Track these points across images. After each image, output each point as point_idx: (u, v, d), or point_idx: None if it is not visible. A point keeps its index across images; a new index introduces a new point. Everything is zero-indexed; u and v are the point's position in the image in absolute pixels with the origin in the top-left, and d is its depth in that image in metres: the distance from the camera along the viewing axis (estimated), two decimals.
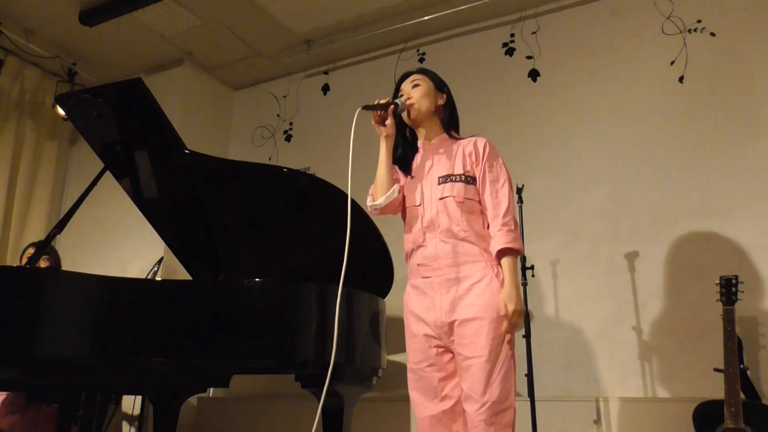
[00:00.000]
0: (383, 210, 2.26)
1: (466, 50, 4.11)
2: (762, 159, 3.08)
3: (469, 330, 2.02)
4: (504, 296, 2.01)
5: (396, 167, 2.32)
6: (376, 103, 2.22)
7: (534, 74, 3.82)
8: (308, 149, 4.58)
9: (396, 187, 2.24)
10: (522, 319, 2.05)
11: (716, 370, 2.46)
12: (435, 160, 2.23)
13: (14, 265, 3.47)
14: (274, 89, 4.89)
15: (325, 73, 4.68)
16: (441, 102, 2.29)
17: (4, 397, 2.83)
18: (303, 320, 2.25)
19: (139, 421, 3.53)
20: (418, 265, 2.16)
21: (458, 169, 2.18)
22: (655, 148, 3.36)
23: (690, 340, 3.01)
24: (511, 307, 1.99)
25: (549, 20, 3.87)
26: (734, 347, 2.41)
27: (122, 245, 4.40)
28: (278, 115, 4.80)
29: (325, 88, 4.64)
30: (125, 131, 2.61)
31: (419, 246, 2.17)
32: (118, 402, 3.60)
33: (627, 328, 3.18)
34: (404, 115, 2.25)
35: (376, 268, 2.73)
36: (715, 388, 2.48)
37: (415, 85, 2.28)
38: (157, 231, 2.92)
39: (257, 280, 2.24)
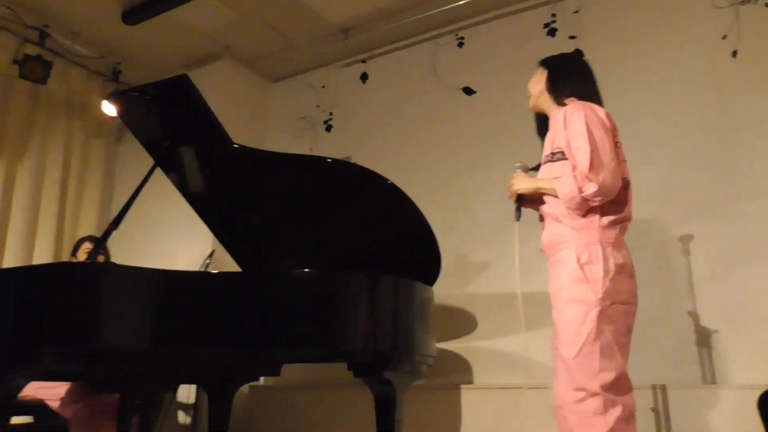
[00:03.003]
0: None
1: (506, 33, 4.05)
2: None
3: (555, 315, 2.03)
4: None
5: None
6: (516, 208, 2.27)
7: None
8: (349, 138, 4.58)
9: None
10: (513, 191, 2.21)
11: None
12: (545, 142, 2.25)
13: (73, 261, 3.57)
14: (312, 80, 4.90)
15: (363, 61, 4.66)
16: (545, 79, 2.32)
17: (68, 386, 2.92)
18: (352, 309, 2.24)
19: (194, 409, 3.60)
20: (543, 251, 2.20)
21: (548, 149, 2.20)
22: (706, 126, 3.25)
23: (750, 325, 2.92)
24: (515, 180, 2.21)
25: None
26: None
27: (170, 239, 4.49)
28: (317, 106, 4.80)
29: (364, 77, 4.63)
30: (173, 126, 2.65)
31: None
32: (175, 391, 3.68)
33: (682, 314, 3.10)
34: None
35: (423, 257, 2.71)
36: None
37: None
38: (206, 223, 2.96)
39: (306, 270, 2.25)
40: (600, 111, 2.13)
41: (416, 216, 2.59)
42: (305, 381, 4.05)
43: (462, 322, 3.74)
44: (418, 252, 2.72)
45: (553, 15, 3.87)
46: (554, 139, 2.15)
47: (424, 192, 3.93)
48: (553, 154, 2.14)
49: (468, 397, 3.42)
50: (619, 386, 1.91)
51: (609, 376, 1.88)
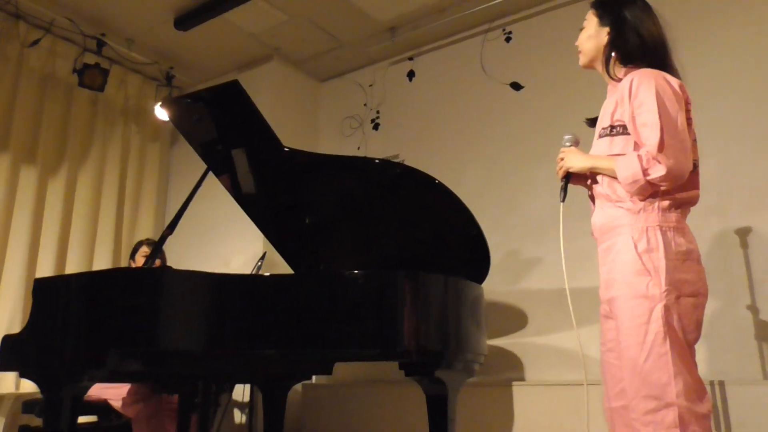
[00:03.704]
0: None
1: (556, 27, 3.97)
2: None
3: (614, 310, 1.83)
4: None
5: None
6: (562, 187, 2.06)
7: None
8: (396, 136, 4.60)
9: None
10: (563, 167, 1.99)
11: None
12: (602, 111, 2.00)
13: (130, 265, 3.70)
14: (359, 79, 4.93)
15: (410, 59, 4.66)
16: (605, 38, 1.99)
17: (129, 387, 3.04)
18: (400, 309, 2.25)
19: (249, 408, 3.69)
20: (593, 235, 1.99)
21: (606, 121, 1.93)
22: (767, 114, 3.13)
23: None
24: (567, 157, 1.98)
25: None
26: None
27: (224, 240, 4.60)
28: (365, 105, 4.83)
29: (411, 74, 4.62)
30: (224, 131, 2.71)
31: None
32: (231, 391, 3.78)
33: (741, 308, 3.01)
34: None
35: (472, 254, 2.71)
36: None
37: (581, 29, 2.08)
38: (258, 225, 3.03)
39: (354, 271, 2.27)
40: (674, 81, 1.86)
41: (465, 214, 2.58)
42: (357, 378, 4.10)
43: (513, 319, 3.71)
44: (467, 250, 2.72)
45: None
46: (615, 109, 1.90)
47: (472, 188, 3.94)
48: (612, 127, 1.90)
49: (520, 393, 3.39)
50: (697, 390, 1.72)
51: (684, 380, 1.69)
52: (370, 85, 4.84)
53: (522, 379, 3.59)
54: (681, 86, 1.88)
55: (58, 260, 4.27)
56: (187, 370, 2.40)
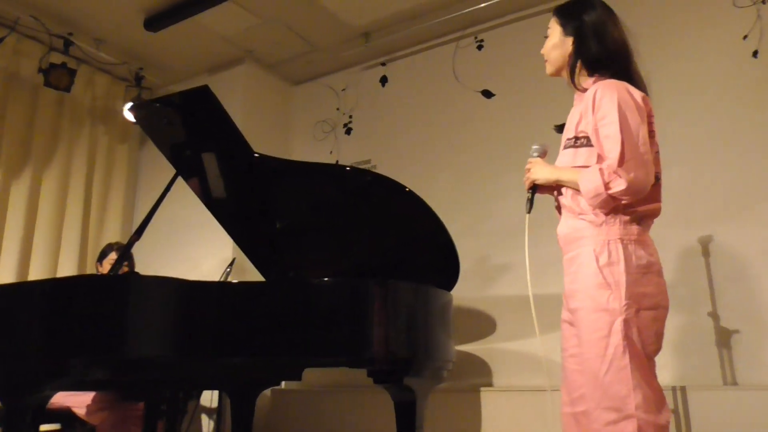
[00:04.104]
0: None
1: (525, 35, 4.03)
2: None
3: (576, 321, 1.84)
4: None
5: None
6: (528, 198, 2.02)
7: None
8: (369, 142, 4.61)
9: None
10: (529, 179, 1.98)
11: None
12: (568, 121, 1.99)
13: (97, 269, 3.64)
14: (332, 83, 4.93)
15: (383, 64, 4.68)
16: (570, 48, 1.98)
17: (93, 394, 2.99)
18: (370, 317, 2.26)
19: (217, 414, 3.66)
20: (559, 244, 1.99)
21: (571, 132, 1.93)
22: (728, 127, 3.22)
23: None
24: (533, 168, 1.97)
25: None
26: None
27: (194, 244, 4.54)
28: (338, 109, 4.83)
29: (383, 80, 4.64)
30: (194, 136, 2.69)
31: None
32: (198, 397, 3.74)
33: (702, 315, 3.08)
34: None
35: (442, 262, 2.73)
36: None
37: (546, 38, 2.07)
38: (227, 230, 3.01)
39: (324, 279, 2.28)
40: (637, 94, 1.86)
41: (435, 222, 2.60)
42: (327, 384, 4.09)
43: (482, 324, 3.75)
44: (437, 257, 2.74)
45: None
46: (579, 120, 1.91)
47: (443, 195, 3.97)
48: (576, 138, 1.90)
49: (488, 399, 3.42)
50: (656, 402, 1.73)
51: (643, 393, 1.71)
52: (343, 90, 4.84)
53: (490, 384, 3.62)
54: (644, 98, 1.89)
55: (21, 265, 4.16)
56: (154, 378, 2.38)
